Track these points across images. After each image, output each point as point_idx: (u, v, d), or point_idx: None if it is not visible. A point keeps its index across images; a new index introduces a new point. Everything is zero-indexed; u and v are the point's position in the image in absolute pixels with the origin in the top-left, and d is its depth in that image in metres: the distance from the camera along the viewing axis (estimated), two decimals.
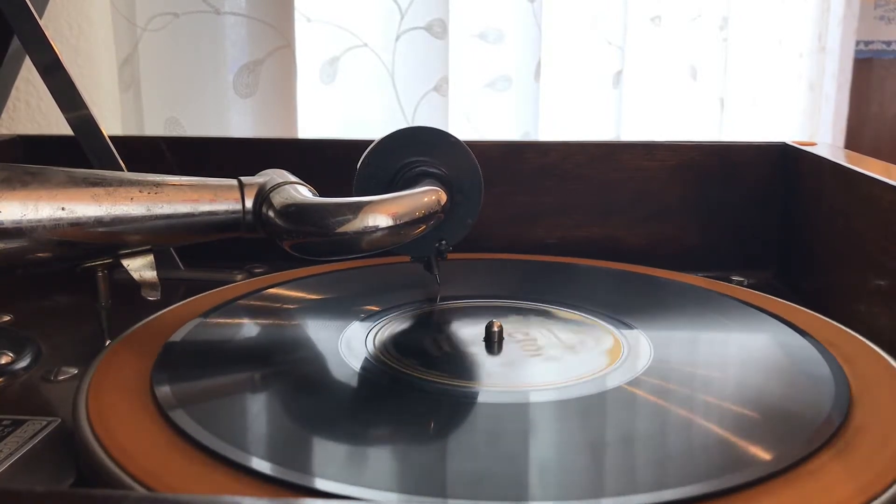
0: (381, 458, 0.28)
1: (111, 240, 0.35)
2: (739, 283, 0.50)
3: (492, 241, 0.55)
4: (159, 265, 0.37)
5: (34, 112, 0.70)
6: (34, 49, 0.48)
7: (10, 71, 0.54)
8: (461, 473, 0.27)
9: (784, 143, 0.56)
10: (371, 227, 0.35)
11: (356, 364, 0.35)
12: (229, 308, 0.42)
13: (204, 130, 0.70)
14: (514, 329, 0.39)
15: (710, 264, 0.55)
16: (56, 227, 0.33)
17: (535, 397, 0.32)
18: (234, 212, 0.37)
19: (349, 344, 0.37)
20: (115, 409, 0.30)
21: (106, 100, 0.74)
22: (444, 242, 0.43)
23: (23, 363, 0.38)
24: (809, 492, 0.25)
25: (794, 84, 1.20)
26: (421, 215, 0.37)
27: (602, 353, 0.37)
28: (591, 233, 0.57)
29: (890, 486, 0.25)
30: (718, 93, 1.09)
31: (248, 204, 0.37)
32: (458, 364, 0.36)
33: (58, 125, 0.59)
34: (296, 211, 0.35)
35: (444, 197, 0.40)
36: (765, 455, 0.27)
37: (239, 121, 0.71)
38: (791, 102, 1.20)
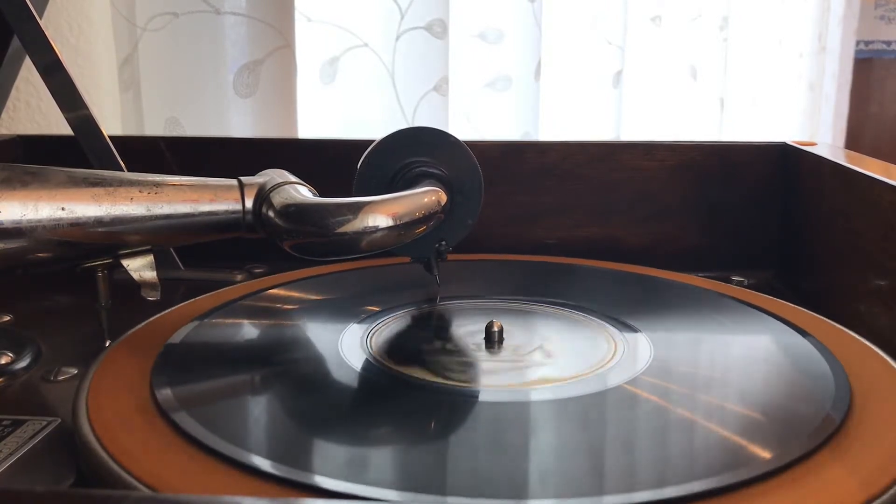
0: (381, 457, 0.28)
1: (111, 240, 0.35)
2: (739, 283, 0.50)
3: (492, 241, 0.55)
4: (159, 265, 0.37)
5: (34, 112, 0.70)
6: (34, 49, 0.48)
7: (10, 71, 0.54)
8: (462, 472, 0.27)
9: (784, 143, 0.56)
10: (371, 227, 0.35)
11: (356, 364, 0.35)
12: (229, 309, 0.42)
13: (204, 130, 0.70)
14: (514, 329, 0.39)
15: (710, 264, 0.55)
16: (56, 227, 0.33)
17: (535, 397, 0.32)
18: (234, 212, 0.37)
19: (349, 344, 0.37)
20: (115, 409, 0.30)
21: (106, 100, 0.74)
22: (444, 243, 0.43)
23: (23, 363, 0.38)
24: (809, 491, 0.25)
25: (794, 84, 1.20)
26: (421, 216, 0.37)
27: (602, 353, 0.37)
28: (591, 233, 0.57)
29: (890, 486, 0.25)
30: (718, 93, 1.09)
31: (248, 204, 0.37)
32: (458, 364, 0.36)
33: (58, 125, 0.59)
34: (296, 211, 0.35)
35: (444, 197, 0.40)
36: (765, 454, 0.27)
37: (239, 121, 0.71)
38: (791, 102, 1.20)
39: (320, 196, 0.37)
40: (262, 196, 0.37)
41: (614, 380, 0.34)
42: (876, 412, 0.30)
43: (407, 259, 0.45)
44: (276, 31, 0.70)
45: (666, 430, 0.30)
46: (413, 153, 0.42)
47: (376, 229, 0.35)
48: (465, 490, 0.25)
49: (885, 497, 0.24)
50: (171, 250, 0.51)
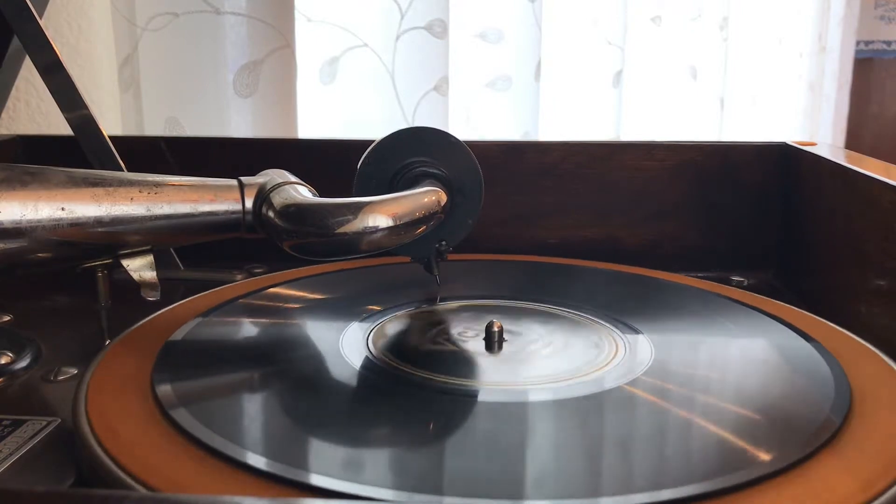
0: (381, 456, 0.28)
1: (111, 240, 0.35)
2: (739, 284, 0.50)
3: (492, 241, 0.55)
4: (159, 265, 0.37)
5: (34, 112, 0.70)
6: (34, 49, 0.48)
7: (10, 71, 0.54)
8: (460, 471, 0.27)
9: (784, 143, 0.56)
10: (371, 227, 0.35)
11: (356, 363, 0.35)
12: (229, 307, 0.42)
13: (204, 130, 0.70)
14: (513, 329, 0.39)
15: (710, 264, 0.55)
16: (56, 227, 0.33)
17: (534, 397, 0.32)
18: (234, 212, 0.37)
19: (349, 343, 0.37)
20: (115, 409, 0.30)
21: (106, 100, 0.74)
22: (444, 243, 0.43)
23: (23, 363, 0.38)
24: (809, 492, 0.25)
25: (794, 84, 1.20)
26: (421, 216, 0.37)
27: (601, 354, 0.37)
28: (591, 233, 0.57)
29: (890, 487, 0.25)
30: (718, 93, 1.09)
31: (248, 204, 0.37)
32: (458, 363, 0.36)
33: (58, 125, 0.59)
34: (296, 211, 0.35)
35: (444, 197, 0.40)
36: (764, 455, 0.27)
37: (239, 121, 0.71)
38: (791, 102, 1.20)
39: (320, 196, 0.37)
40: (263, 196, 0.37)
41: (613, 380, 0.34)
42: (876, 413, 0.30)
43: (407, 259, 0.45)
44: (276, 31, 0.70)
45: (665, 432, 0.30)
46: (413, 153, 0.42)
47: (376, 229, 0.35)
48: (464, 490, 0.25)
49: (885, 498, 0.24)
50: (171, 250, 0.51)
